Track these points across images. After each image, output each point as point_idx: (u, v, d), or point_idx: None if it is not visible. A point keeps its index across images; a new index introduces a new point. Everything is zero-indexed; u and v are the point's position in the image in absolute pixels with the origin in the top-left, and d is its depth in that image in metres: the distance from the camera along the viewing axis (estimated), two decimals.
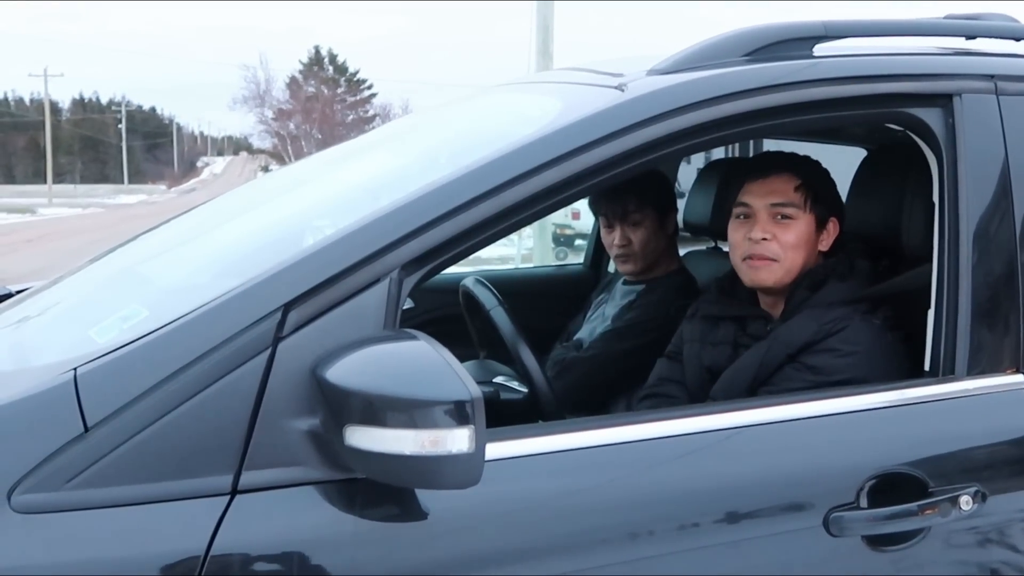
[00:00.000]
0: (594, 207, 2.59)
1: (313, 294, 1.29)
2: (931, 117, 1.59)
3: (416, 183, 1.42)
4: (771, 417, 1.49)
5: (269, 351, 1.26)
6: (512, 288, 3.22)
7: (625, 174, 1.50)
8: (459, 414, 1.17)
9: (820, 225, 1.86)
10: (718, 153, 3.09)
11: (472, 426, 1.17)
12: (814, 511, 1.42)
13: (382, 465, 1.19)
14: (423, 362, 1.21)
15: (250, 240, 1.71)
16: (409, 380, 1.19)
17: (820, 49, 1.61)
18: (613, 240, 2.51)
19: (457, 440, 1.16)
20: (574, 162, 1.42)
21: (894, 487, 1.46)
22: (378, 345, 1.25)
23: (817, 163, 1.92)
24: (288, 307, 1.28)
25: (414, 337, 1.25)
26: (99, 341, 1.34)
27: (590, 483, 1.38)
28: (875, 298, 1.80)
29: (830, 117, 1.63)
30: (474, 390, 1.18)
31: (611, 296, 2.64)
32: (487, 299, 2.08)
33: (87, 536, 1.18)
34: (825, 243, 1.87)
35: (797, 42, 1.60)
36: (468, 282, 2.22)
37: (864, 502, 1.44)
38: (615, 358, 2.37)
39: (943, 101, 1.60)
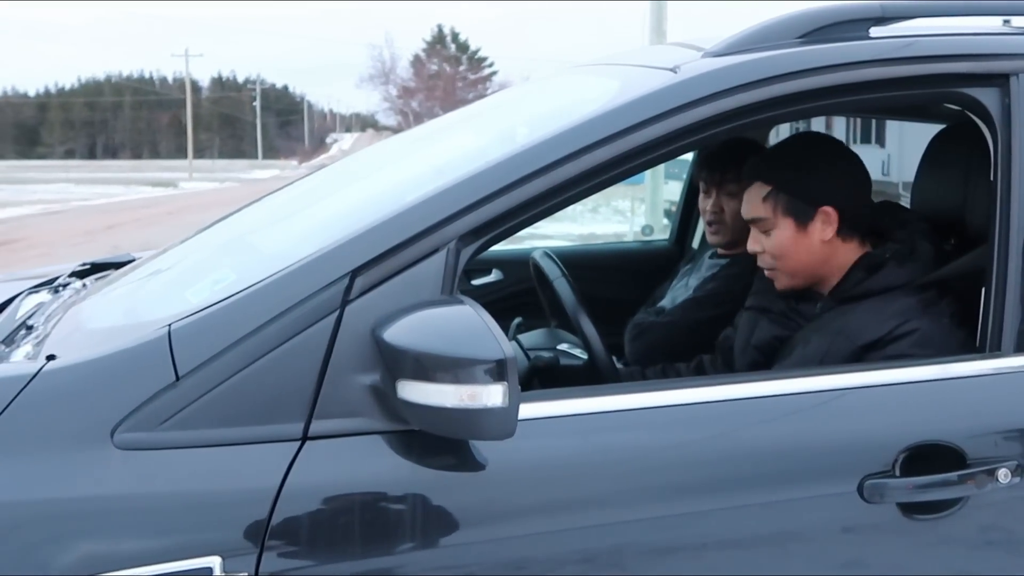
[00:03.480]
0: (695, 171, 2.63)
1: (378, 261, 1.41)
2: (987, 97, 1.60)
3: (479, 160, 1.53)
4: (813, 387, 1.55)
5: (337, 312, 1.39)
6: (599, 262, 3.32)
7: (679, 151, 1.58)
8: (494, 372, 1.28)
9: (802, 223, 1.83)
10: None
11: (506, 383, 1.28)
12: (848, 477, 1.48)
13: (429, 416, 1.31)
14: (466, 324, 1.32)
15: (330, 212, 1.85)
16: (452, 340, 1.30)
17: (877, 31, 1.64)
18: (707, 207, 2.54)
19: (492, 395, 1.28)
20: (624, 141, 1.49)
21: (931, 458, 1.50)
22: (429, 309, 1.37)
23: (790, 156, 1.89)
24: (355, 273, 1.40)
25: (461, 302, 1.37)
26: (192, 301, 1.49)
27: (631, 443, 1.46)
28: (940, 287, 1.78)
29: (885, 97, 1.65)
30: (508, 351, 1.28)
31: (696, 267, 2.70)
32: (551, 271, 2.18)
33: (176, 471, 1.33)
34: (827, 233, 1.83)
35: (853, 23, 1.62)
36: (536, 255, 2.33)
37: (899, 471, 1.48)
38: (691, 326, 2.43)
39: (1000, 81, 1.60)
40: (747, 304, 2.06)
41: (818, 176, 1.86)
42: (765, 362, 1.93)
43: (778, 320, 1.93)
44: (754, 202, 1.86)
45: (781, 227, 1.85)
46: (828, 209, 1.83)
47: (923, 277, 1.79)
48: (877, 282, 1.80)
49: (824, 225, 1.84)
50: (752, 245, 1.87)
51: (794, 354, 1.84)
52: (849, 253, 1.86)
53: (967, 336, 1.71)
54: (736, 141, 2.51)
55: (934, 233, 1.87)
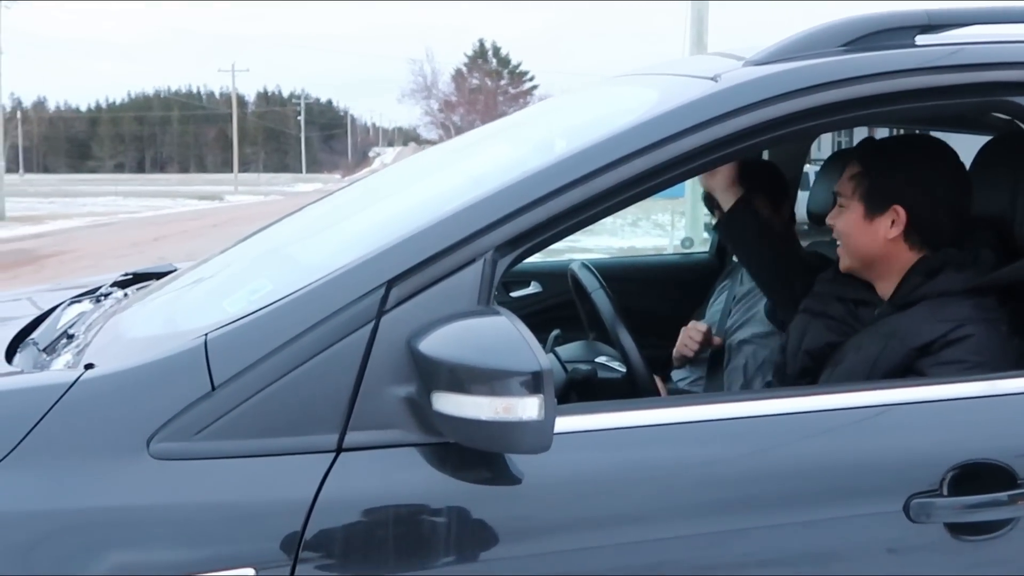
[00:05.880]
0: (707, 202, 2.62)
1: (414, 272, 1.40)
2: None
3: (516, 170, 1.52)
4: (858, 402, 1.51)
5: (373, 323, 1.38)
6: (638, 275, 3.30)
7: (719, 162, 1.55)
8: (530, 384, 1.26)
9: (871, 213, 1.84)
10: None
11: (541, 395, 1.26)
12: (894, 496, 1.44)
13: (463, 429, 1.30)
14: (501, 336, 1.30)
15: (367, 222, 1.85)
16: (487, 352, 1.29)
17: (922, 39, 1.60)
18: None
19: (528, 408, 1.26)
20: (664, 150, 1.47)
21: (980, 477, 1.45)
22: (464, 320, 1.35)
23: (890, 149, 1.89)
24: (391, 283, 1.39)
25: (497, 313, 1.35)
26: (229, 311, 1.49)
27: (669, 458, 1.44)
28: (1001, 296, 1.73)
29: (931, 106, 1.62)
30: (544, 363, 1.26)
31: (735, 281, 2.67)
32: (589, 282, 2.16)
33: (210, 482, 1.33)
34: (892, 232, 1.83)
35: (898, 31, 1.59)
36: (574, 266, 2.31)
37: (947, 490, 1.44)
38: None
39: None
40: (802, 307, 2.04)
41: (901, 175, 1.86)
42: (814, 367, 1.91)
43: (834, 326, 1.92)
44: (843, 178, 1.91)
45: (851, 209, 1.89)
46: (899, 209, 1.84)
47: (977, 281, 1.75)
48: (934, 287, 1.77)
49: (891, 223, 1.85)
50: (828, 218, 1.94)
51: (846, 360, 1.82)
52: (913, 259, 1.84)
53: (1022, 346, 1.66)
54: (749, 161, 2.48)
55: (999, 243, 1.82)
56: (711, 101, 1.51)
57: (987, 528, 1.46)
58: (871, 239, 1.86)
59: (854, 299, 1.93)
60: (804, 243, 2.66)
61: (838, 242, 1.93)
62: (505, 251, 1.44)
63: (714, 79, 1.58)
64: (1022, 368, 1.60)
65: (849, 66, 1.54)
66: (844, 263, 1.93)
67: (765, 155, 2.92)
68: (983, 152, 1.94)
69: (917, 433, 1.50)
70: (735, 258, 2.73)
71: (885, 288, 1.88)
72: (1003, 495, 1.45)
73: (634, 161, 1.46)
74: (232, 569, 1.30)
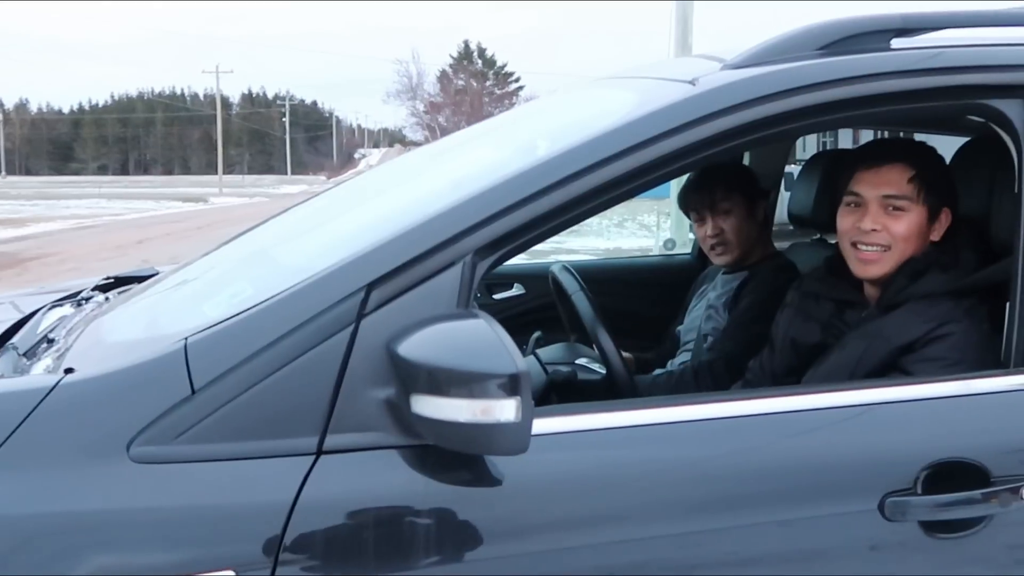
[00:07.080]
0: (683, 205, 2.64)
1: (394, 275, 1.40)
2: (1012, 109, 1.58)
3: (496, 173, 1.53)
4: (833, 402, 1.52)
5: (353, 326, 1.38)
6: (620, 276, 3.31)
7: (696, 164, 1.57)
8: (507, 386, 1.27)
9: (932, 216, 1.83)
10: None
11: (519, 397, 1.27)
12: (869, 494, 1.45)
13: (442, 431, 1.30)
14: (479, 338, 1.31)
15: (348, 225, 1.86)
16: (466, 354, 1.30)
17: (898, 42, 1.62)
18: (706, 232, 2.55)
19: (505, 410, 1.27)
20: (642, 153, 1.48)
21: (954, 475, 1.47)
22: (443, 323, 1.36)
23: (933, 151, 1.88)
24: (371, 287, 1.40)
25: (475, 316, 1.36)
26: (209, 314, 1.50)
27: (647, 459, 1.45)
28: (982, 295, 1.76)
29: (907, 109, 1.64)
30: (521, 365, 1.27)
31: (712, 286, 2.68)
32: (569, 284, 2.17)
33: (190, 485, 1.33)
34: (936, 233, 1.84)
35: (874, 35, 1.61)
36: (555, 269, 2.32)
37: (921, 489, 1.46)
38: (749, 347, 2.37)
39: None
40: (788, 300, 2.04)
41: (948, 176, 1.87)
42: (800, 367, 1.92)
43: (820, 328, 1.92)
44: (898, 181, 1.82)
45: (916, 213, 1.82)
46: (948, 210, 1.85)
47: (960, 283, 1.77)
48: (918, 288, 1.78)
49: (941, 225, 1.85)
50: (869, 223, 1.82)
51: (830, 359, 1.84)
52: None
53: None
54: (724, 164, 2.50)
55: (980, 243, 1.84)
56: (688, 105, 1.52)
57: (961, 526, 1.48)
58: (923, 242, 1.84)
59: (842, 300, 1.93)
60: (785, 244, 2.68)
61: (877, 246, 1.82)
62: (485, 254, 1.44)
63: (692, 82, 1.59)
64: (1001, 367, 1.62)
65: (826, 69, 1.55)
66: (884, 270, 1.82)
67: (746, 157, 2.94)
68: (960, 155, 1.96)
69: (892, 432, 1.51)
70: (716, 262, 2.74)
71: (879, 290, 1.87)
72: (976, 493, 1.47)
73: (613, 164, 1.47)
74: (212, 572, 1.30)
